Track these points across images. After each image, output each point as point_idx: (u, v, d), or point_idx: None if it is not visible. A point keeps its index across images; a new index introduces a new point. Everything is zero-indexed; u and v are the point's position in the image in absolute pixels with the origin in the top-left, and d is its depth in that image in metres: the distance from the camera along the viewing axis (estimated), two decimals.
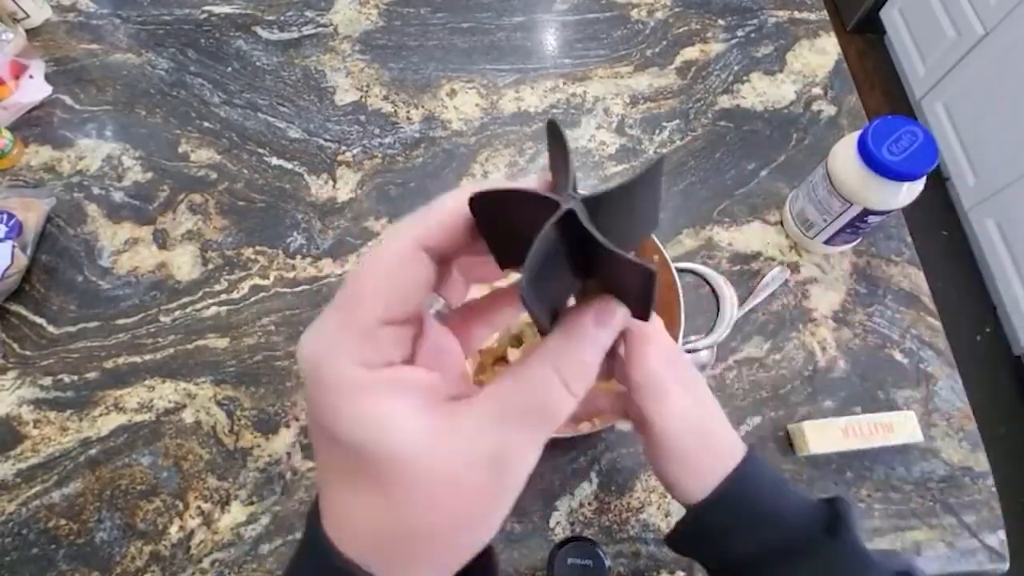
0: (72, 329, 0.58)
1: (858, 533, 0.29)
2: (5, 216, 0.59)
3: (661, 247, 0.50)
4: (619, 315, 0.19)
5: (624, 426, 0.51)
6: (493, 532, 0.19)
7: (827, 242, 0.60)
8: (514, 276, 0.19)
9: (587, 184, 0.66)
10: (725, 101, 0.72)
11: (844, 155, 0.54)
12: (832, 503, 0.30)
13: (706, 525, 0.30)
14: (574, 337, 0.19)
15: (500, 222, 0.18)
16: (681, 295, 0.48)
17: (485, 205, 0.17)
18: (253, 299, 0.59)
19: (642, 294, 0.18)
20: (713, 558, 0.31)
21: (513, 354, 0.51)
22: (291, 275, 0.61)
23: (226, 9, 0.79)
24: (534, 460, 0.18)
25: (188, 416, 0.54)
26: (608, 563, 0.41)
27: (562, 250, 0.17)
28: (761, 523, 0.29)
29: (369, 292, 0.18)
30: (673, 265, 0.49)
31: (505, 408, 0.18)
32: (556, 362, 0.18)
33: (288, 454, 0.52)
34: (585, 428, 0.48)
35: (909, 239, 0.63)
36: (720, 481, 0.28)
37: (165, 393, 0.55)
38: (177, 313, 0.59)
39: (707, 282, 0.61)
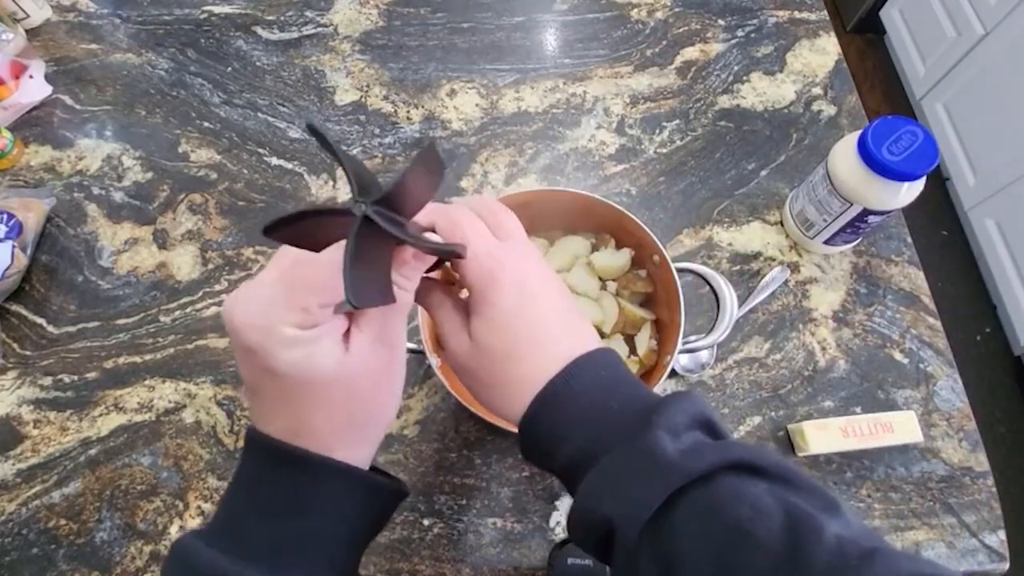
0: (72, 329, 0.58)
1: (667, 430, 0.25)
2: (5, 216, 0.59)
3: (661, 247, 0.50)
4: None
5: None
6: (399, 395, 0.30)
7: (827, 242, 0.60)
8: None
9: (587, 184, 0.66)
10: (725, 101, 0.72)
11: (844, 155, 0.54)
12: (662, 401, 0.27)
13: (526, 444, 0.29)
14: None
15: (305, 239, 0.22)
16: (681, 295, 0.48)
17: (284, 233, 0.21)
18: None
19: (444, 254, 0.26)
20: (546, 468, 0.31)
21: None
22: None
23: (226, 9, 0.79)
24: (403, 336, 0.29)
25: (188, 416, 0.54)
26: None
27: (370, 244, 0.22)
28: (570, 435, 0.27)
29: (317, 285, 0.24)
30: (673, 265, 0.49)
31: (374, 329, 0.27)
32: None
33: None
34: None
35: (909, 239, 0.63)
36: (530, 400, 0.28)
37: (165, 393, 0.55)
38: (177, 313, 0.59)
39: (707, 282, 0.60)
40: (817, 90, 0.73)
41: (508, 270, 0.29)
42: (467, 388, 0.32)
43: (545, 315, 0.29)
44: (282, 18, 0.78)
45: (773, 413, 0.55)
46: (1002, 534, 0.50)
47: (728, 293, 0.59)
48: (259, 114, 0.71)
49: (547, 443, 0.28)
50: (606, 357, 0.30)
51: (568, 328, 0.30)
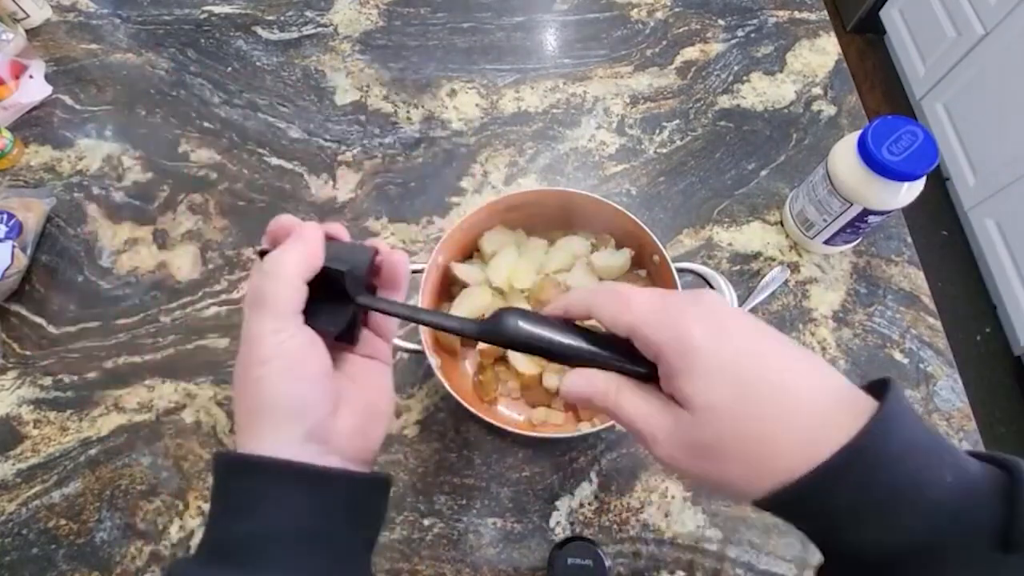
0: (72, 329, 0.58)
1: None
2: (5, 216, 0.59)
3: (661, 247, 0.50)
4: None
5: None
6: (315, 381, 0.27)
7: (827, 242, 0.60)
8: None
9: (587, 184, 0.66)
10: (725, 101, 0.72)
11: (844, 155, 0.54)
12: (1010, 492, 0.21)
13: (798, 513, 0.23)
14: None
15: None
16: None
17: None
18: None
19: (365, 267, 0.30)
20: (819, 541, 0.24)
21: (512, 355, 0.51)
22: None
23: (226, 9, 0.79)
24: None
25: (188, 416, 0.54)
26: (608, 563, 0.41)
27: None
28: (899, 511, 0.21)
29: (285, 297, 0.27)
30: (673, 265, 0.49)
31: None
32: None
33: None
34: (585, 428, 0.48)
35: (909, 239, 0.63)
36: (803, 474, 0.22)
37: (165, 393, 0.55)
38: (177, 313, 0.59)
39: (707, 282, 0.60)
40: (817, 90, 0.73)
41: (689, 312, 0.25)
42: (688, 473, 0.25)
43: (772, 350, 0.24)
44: (282, 18, 0.78)
45: None
46: None
47: (728, 293, 0.59)
48: (259, 114, 0.71)
49: (847, 514, 0.22)
50: (909, 405, 0.23)
51: (811, 364, 0.24)
